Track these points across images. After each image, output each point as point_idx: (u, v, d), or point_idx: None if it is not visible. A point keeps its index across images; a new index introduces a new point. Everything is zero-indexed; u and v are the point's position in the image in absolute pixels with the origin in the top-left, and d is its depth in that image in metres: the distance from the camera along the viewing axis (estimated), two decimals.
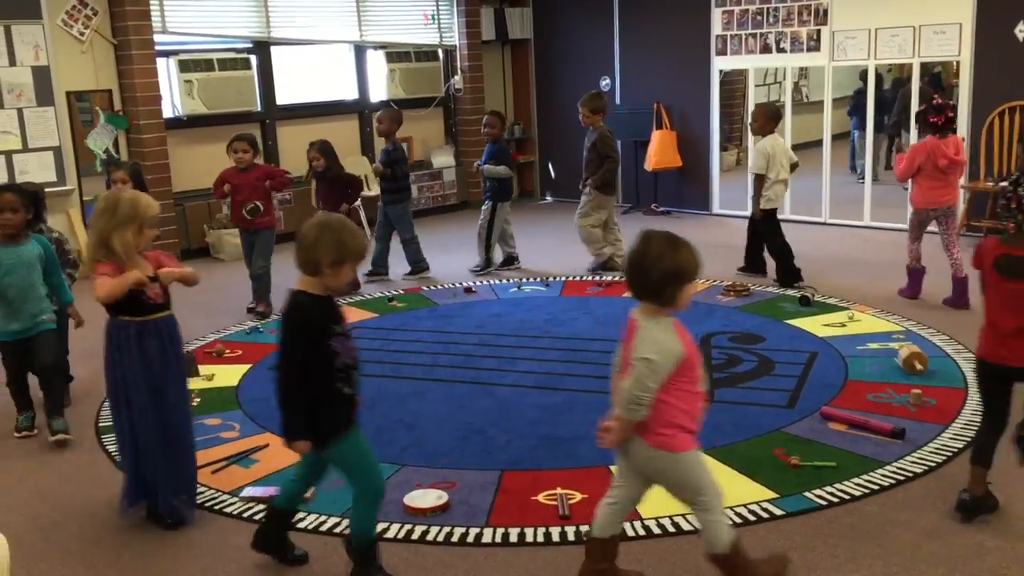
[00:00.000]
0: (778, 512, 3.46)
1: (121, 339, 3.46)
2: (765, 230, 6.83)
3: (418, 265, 7.51)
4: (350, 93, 9.91)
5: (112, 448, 4.25)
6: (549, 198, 11.14)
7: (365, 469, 3.07)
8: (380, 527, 3.45)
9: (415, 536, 3.41)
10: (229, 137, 6.58)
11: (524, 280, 7.22)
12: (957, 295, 6.04)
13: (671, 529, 3.37)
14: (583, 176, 7.40)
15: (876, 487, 3.62)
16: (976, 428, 4.11)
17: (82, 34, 7.96)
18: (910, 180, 6.31)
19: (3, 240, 4.35)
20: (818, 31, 8.72)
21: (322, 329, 2.90)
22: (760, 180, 6.67)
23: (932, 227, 6.22)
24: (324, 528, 3.49)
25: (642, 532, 3.35)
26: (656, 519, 3.41)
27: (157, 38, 8.23)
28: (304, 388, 2.91)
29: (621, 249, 7.33)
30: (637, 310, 2.79)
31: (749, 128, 7.40)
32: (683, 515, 3.42)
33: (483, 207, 7.64)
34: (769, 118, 6.77)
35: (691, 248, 2.74)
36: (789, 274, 6.67)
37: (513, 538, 3.38)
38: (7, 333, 4.45)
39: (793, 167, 6.87)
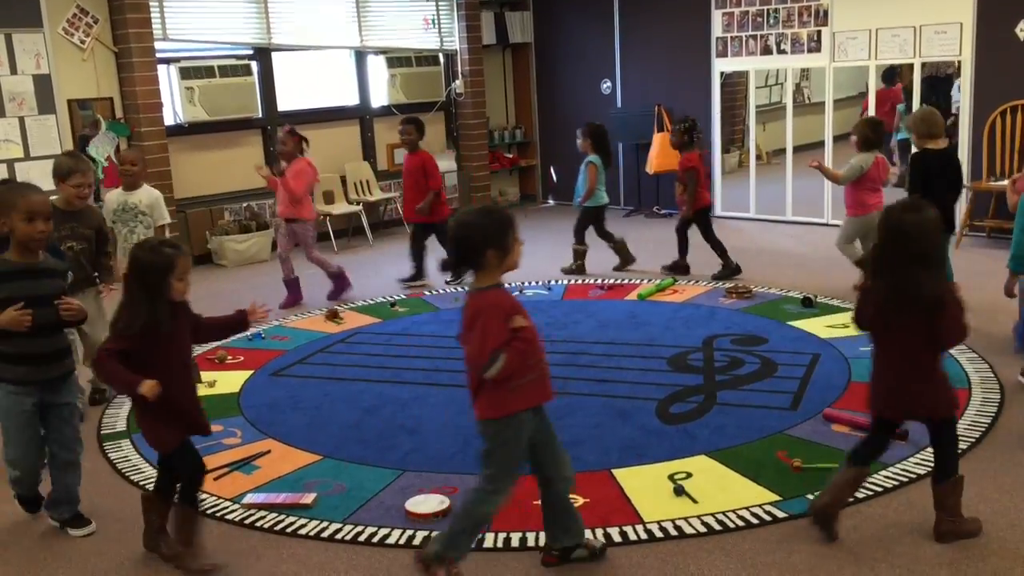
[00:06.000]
0: (781, 515, 3.44)
1: None
2: None
3: None
4: (351, 99, 9.93)
5: (113, 456, 4.26)
6: (551, 201, 11.14)
7: None
8: (381, 533, 3.45)
9: (417, 542, 3.40)
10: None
11: (526, 284, 7.22)
12: (338, 288, 7.06)
13: (673, 533, 3.36)
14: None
15: (879, 489, 3.61)
16: (980, 428, 4.10)
17: (83, 42, 7.98)
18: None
19: None
20: (818, 32, 8.71)
21: None
22: None
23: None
24: (325, 535, 3.49)
25: (644, 536, 3.35)
26: (658, 523, 3.41)
27: (158, 45, 8.25)
28: None
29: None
30: None
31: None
32: (684, 519, 3.42)
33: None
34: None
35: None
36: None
37: (515, 543, 3.37)
38: None
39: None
